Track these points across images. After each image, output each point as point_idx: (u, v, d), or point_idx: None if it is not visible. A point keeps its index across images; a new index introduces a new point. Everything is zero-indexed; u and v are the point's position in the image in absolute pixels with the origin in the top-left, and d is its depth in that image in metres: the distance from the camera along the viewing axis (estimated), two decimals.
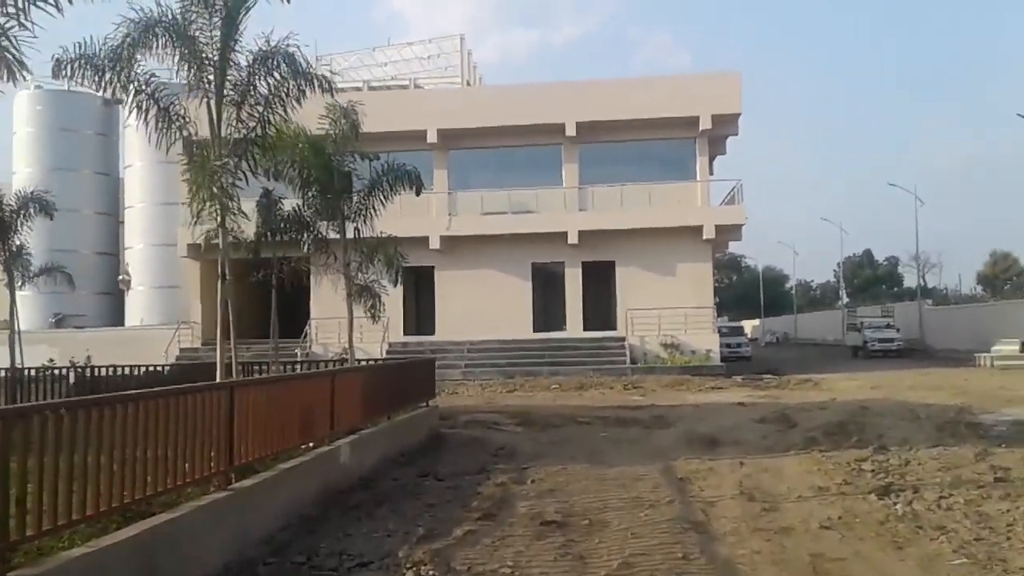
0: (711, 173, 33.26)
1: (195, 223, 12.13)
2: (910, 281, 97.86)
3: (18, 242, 21.58)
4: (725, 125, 32.07)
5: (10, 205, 20.64)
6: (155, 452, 6.22)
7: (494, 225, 31.90)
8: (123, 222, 37.56)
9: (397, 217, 33.32)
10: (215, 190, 10.62)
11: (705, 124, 31.15)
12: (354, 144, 15.27)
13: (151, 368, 18.11)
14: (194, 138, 11.49)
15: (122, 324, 36.66)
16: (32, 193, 20.93)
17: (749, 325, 73.46)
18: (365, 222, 15.64)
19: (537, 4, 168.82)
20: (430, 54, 39.19)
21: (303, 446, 9.37)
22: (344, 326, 32.06)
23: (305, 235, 15.78)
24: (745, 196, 32.30)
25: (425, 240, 31.72)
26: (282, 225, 15.54)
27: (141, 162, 35.74)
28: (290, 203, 16.25)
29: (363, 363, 16.97)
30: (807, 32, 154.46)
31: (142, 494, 6.03)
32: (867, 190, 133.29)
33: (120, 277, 36.45)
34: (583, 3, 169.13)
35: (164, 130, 11.17)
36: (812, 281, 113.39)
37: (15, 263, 22.30)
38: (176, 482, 6.50)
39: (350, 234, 15.75)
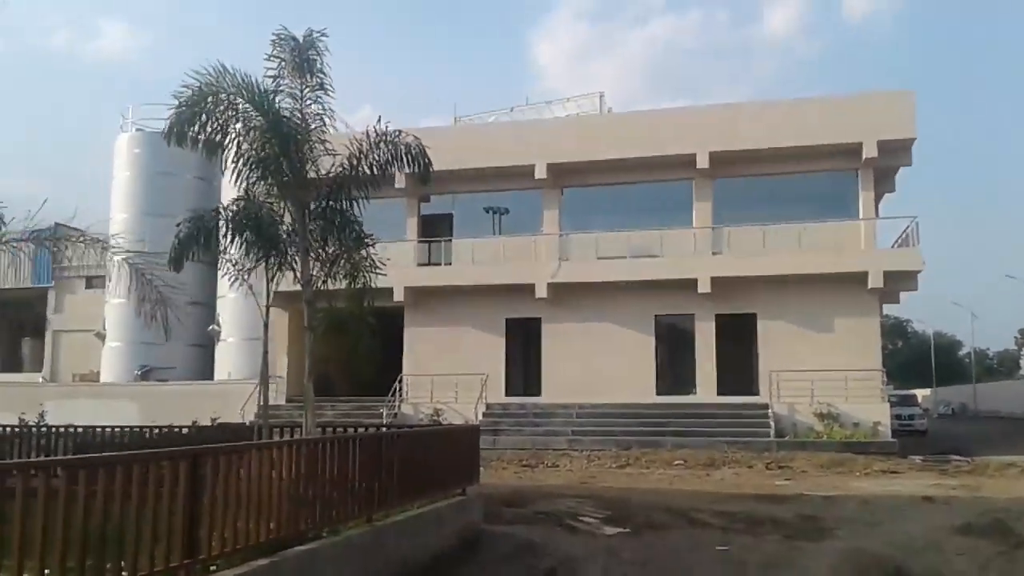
0: (876, 213, 27.55)
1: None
2: None
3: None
4: (894, 154, 26.42)
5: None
6: None
7: (611, 271, 27.34)
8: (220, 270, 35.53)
9: (499, 262, 29.85)
10: None
11: (870, 152, 25.66)
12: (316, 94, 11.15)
13: (165, 429, 14.37)
14: None
15: (211, 377, 34.21)
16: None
17: (919, 395, 64.90)
18: (337, 211, 11.47)
19: (689, 77, 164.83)
20: (568, 113, 35.57)
21: None
22: (439, 385, 28.80)
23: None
24: (921, 238, 26.33)
25: (531, 288, 27.56)
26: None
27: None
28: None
29: (408, 427, 12.67)
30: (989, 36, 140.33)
31: None
32: None
33: (210, 328, 34.14)
34: (736, 74, 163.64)
35: None
36: (988, 349, 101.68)
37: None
38: None
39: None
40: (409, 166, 11.59)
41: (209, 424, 14.59)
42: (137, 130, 35.38)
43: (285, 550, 6.77)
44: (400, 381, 28.60)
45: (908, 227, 26.57)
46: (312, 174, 11.12)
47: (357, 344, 11.89)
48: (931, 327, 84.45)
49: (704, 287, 26.21)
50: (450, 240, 29.84)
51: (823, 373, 24.77)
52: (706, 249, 27.27)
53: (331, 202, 11.01)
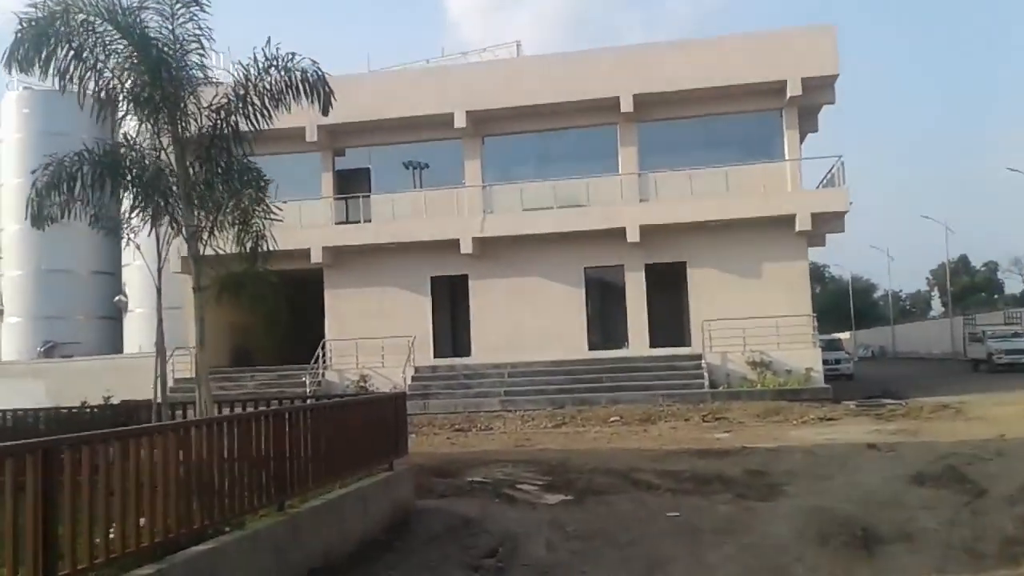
0: (800, 154, 27.12)
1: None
2: (1011, 287, 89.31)
3: None
4: (818, 91, 25.94)
5: None
6: None
7: (538, 223, 26.33)
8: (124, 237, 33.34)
9: (420, 217, 28.57)
10: None
11: (794, 90, 25.11)
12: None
13: (53, 412, 12.87)
14: None
15: (121, 351, 32.24)
16: None
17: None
18: (224, 149, 10.02)
19: (606, 27, 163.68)
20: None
21: None
22: (364, 349, 27.52)
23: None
24: (847, 178, 25.99)
25: (456, 244, 26.39)
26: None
27: None
28: None
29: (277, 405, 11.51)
30: None
31: None
32: (969, 181, 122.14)
33: (117, 298, 32.06)
34: (651, 20, 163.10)
35: None
36: (901, 291, 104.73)
37: None
38: None
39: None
40: (307, 95, 10.04)
41: (101, 404, 13.06)
42: (24, 88, 32.62)
43: (176, 553, 5.69)
44: (323, 347, 27.26)
45: (834, 167, 26.23)
46: (193, 107, 9.55)
47: (258, 307, 10.49)
48: (847, 271, 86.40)
49: (633, 236, 25.47)
50: (368, 196, 28.34)
51: (754, 320, 24.41)
52: (633, 197, 26.50)
53: (215, 139, 9.50)
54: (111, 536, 5.05)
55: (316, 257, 27.21)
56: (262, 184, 9.87)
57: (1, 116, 34.14)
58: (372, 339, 26.30)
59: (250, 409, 9.81)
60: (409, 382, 25.42)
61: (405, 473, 9.85)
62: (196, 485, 5.96)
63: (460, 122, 26.67)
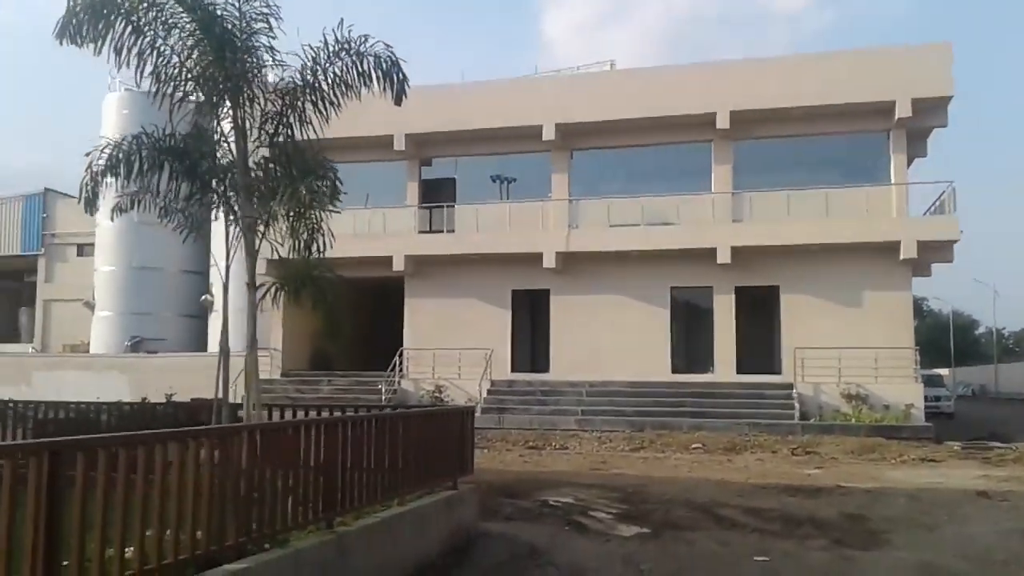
0: (908, 178, 25.61)
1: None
2: None
3: None
4: (929, 114, 24.43)
5: None
6: None
7: (624, 240, 25.55)
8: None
9: (504, 229, 28.06)
10: None
11: (903, 111, 23.71)
12: None
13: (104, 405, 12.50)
14: None
15: (205, 349, 32.67)
16: None
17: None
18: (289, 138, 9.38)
19: (704, 47, 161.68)
20: None
21: None
22: (441, 360, 27.09)
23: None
24: (958, 206, 24.42)
25: (539, 258, 25.79)
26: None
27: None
28: None
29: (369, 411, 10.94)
30: None
31: None
32: None
33: (203, 297, 32.50)
34: (751, 44, 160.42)
35: None
36: (1004, 328, 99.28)
37: None
38: None
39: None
40: (380, 82, 9.33)
41: (164, 401, 12.86)
42: (126, 89, 33.55)
43: (206, 571, 5.18)
44: (400, 355, 26.98)
45: (944, 192, 24.65)
46: (257, 91, 9.08)
47: (317, 309, 9.96)
48: (948, 304, 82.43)
49: (723, 257, 24.42)
50: (452, 206, 28.02)
51: (851, 351, 23.04)
52: (726, 217, 25.43)
53: (279, 126, 9.02)
54: (127, 552, 4.55)
55: (398, 265, 27.00)
56: (326, 173, 9.28)
57: (103, 117, 35.13)
58: (450, 350, 25.90)
59: (325, 415, 9.39)
60: (485, 395, 24.91)
61: (469, 493, 9.22)
62: (232, 496, 5.45)
63: (549, 135, 26.13)
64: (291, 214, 8.67)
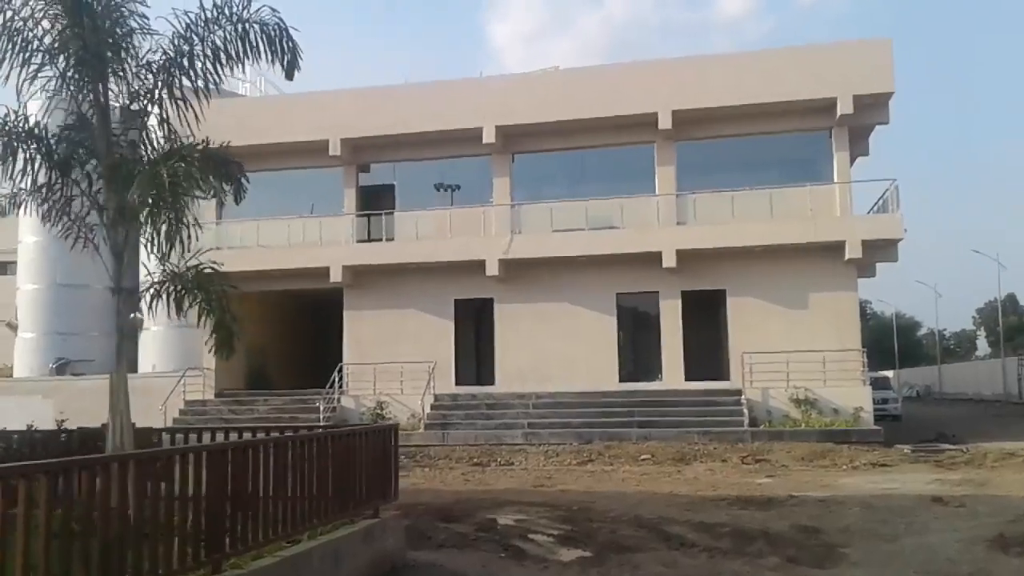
0: (851, 177, 25.37)
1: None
2: None
3: None
4: (871, 110, 24.21)
5: None
6: None
7: (568, 245, 24.86)
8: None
9: (445, 237, 27.23)
10: None
11: (845, 108, 23.44)
12: None
13: None
14: None
15: (136, 370, 31.17)
16: None
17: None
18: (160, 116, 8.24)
19: (646, 55, 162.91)
20: None
21: None
22: (383, 374, 26.07)
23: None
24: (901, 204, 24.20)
25: (481, 265, 24.96)
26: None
27: None
28: None
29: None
30: None
31: None
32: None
33: (132, 315, 30.93)
34: (691, 52, 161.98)
35: None
36: (945, 329, 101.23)
37: None
38: None
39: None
40: (266, 53, 8.15)
41: (55, 429, 11.69)
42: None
43: None
44: (340, 371, 25.91)
45: (887, 191, 24.41)
46: (126, 65, 7.93)
47: (208, 321, 8.93)
48: (892, 306, 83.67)
49: (669, 261, 23.88)
50: (391, 213, 27.03)
51: (799, 354, 22.63)
52: (670, 219, 24.91)
53: (150, 103, 7.96)
54: None
55: (336, 276, 25.96)
56: (224, 166, 8.25)
57: None
58: (391, 364, 24.92)
59: (247, 436, 8.46)
60: (428, 411, 23.98)
61: (392, 521, 8.34)
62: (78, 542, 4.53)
63: (489, 137, 25.35)
64: (149, 202, 7.58)
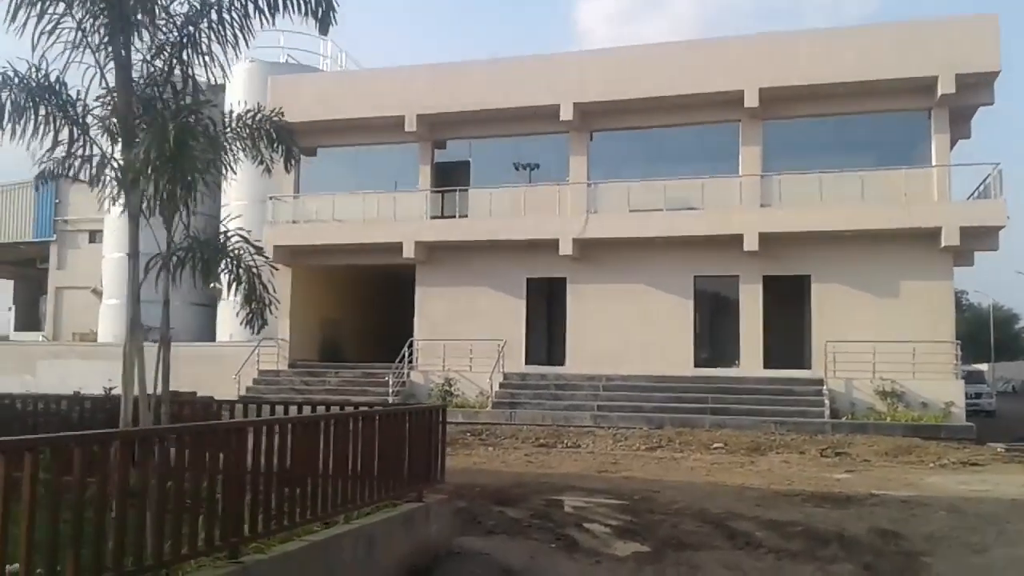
0: (951, 161, 23.92)
1: None
2: None
3: None
4: (974, 90, 22.72)
5: None
6: None
7: (645, 226, 24.14)
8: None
9: (519, 215, 26.83)
10: None
11: (946, 88, 22.04)
12: None
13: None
14: None
15: (213, 339, 31.83)
16: None
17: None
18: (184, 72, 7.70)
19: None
20: None
21: None
22: (452, 351, 25.87)
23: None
24: (1004, 189, 22.69)
25: (555, 245, 24.47)
26: None
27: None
28: None
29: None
30: None
31: None
32: None
33: (212, 285, 31.53)
34: None
35: None
36: None
37: None
38: None
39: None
40: (299, 4, 7.43)
41: (103, 394, 11.71)
42: None
43: None
44: (410, 346, 25.85)
45: (990, 175, 22.94)
46: (147, 16, 7.54)
47: (237, 292, 8.48)
48: (988, 297, 79.67)
49: (751, 244, 22.94)
50: (466, 189, 26.74)
51: (886, 345, 21.51)
52: (753, 201, 23.92)
53: (174, 59, 7.57)
54: None
55: (408, 252, 25.82)
56: (203, 106, 7.69)
57: None
58: (461, 340, 24.73)
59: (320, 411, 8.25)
60: (496, 389, 23.72)
61: (438, 507, 7.98)
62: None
63: (567, 115, 24.77)
64: (153, 159, 7.15)
